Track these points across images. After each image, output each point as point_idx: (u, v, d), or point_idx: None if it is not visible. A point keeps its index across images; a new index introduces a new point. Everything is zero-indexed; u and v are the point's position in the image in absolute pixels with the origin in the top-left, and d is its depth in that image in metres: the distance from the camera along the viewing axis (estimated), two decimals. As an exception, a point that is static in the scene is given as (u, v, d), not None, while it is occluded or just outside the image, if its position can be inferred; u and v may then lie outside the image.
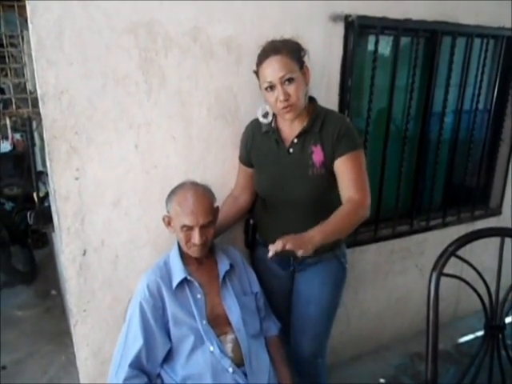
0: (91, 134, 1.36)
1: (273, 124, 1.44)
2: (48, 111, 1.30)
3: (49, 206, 2.00)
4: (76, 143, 1.35)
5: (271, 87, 1.31)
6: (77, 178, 1.38)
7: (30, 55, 1.33)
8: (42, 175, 2.38)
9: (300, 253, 1.13)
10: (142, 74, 1.39)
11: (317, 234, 1.20)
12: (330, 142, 1.35)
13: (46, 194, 2.21)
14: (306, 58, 1.36)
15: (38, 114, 1.36)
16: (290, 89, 1.29)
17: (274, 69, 1.29)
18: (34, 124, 2.03)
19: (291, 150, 1.41)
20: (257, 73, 1.37)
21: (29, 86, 1.96)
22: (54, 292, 2.94)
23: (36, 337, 2.44)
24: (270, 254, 1.12)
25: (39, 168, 2.41)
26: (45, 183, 2.30)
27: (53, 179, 1.36)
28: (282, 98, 1.29)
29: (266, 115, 1.44)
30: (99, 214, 1.44)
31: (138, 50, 1.37)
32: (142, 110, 1.42)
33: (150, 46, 1.38)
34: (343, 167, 1.34)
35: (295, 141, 1.40)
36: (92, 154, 1.38)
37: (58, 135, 1.32)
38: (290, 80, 1.29)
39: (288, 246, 1.11)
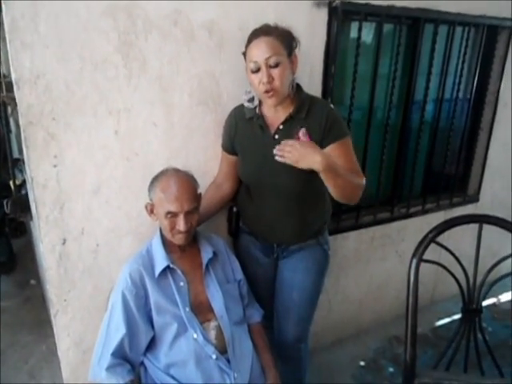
0: (69, 120, 1.32)
1: (257, 110, 1.42)
2: (23, 96, 1.25)
3: (26, 194, 1.95)
4: (53, 129, 1.31)
5: (256, 69, 1.29)
6: (55, 166, 1.34)
7: (3, 38, 1.28)
8: (18, 162, 2.31)
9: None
10: (121, 57, 1.35)
11: (332, 162, 1.24)
12: (317, 130, 1.35)
13: (23, 182, 2.15)
14: (296, 49, 1.34)
15: (13, 99, 1.32)
16: (275, 73, 1.28)
17: (261, 49, 1.27)
18: (9, 109, 1.96)
19: (277, 137, 1.39)
20: (245, 54, 1.35)
21: (3, 70, 1.89)
22: (33, 282, 2.89)
23: (16, 327, 2.40)
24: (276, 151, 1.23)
25: (15, 155, 2.34)
26: (21, 171, 2.24)
27: (30, 167, 1.32)
28: (265, 80, 1.27)
29: (251, 100, 1.42)
30: (79, 202, 1.41)
31: (117, 33, 1.33)
32: (121, 95, 1.38)
33: (129, 29, 1.34)
34: (334, 154, 1.33)
35: (281, 127, 1.39)
36: (70, 140, 1.34)
37: (35, 121, 1.28)
38: (276, 64, 1.27)
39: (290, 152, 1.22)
